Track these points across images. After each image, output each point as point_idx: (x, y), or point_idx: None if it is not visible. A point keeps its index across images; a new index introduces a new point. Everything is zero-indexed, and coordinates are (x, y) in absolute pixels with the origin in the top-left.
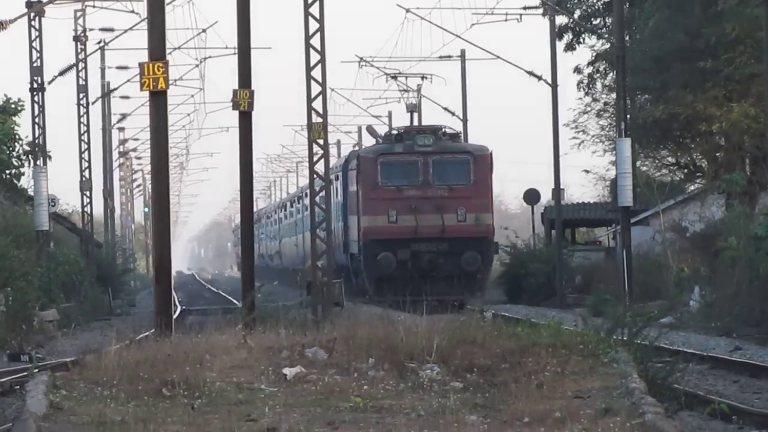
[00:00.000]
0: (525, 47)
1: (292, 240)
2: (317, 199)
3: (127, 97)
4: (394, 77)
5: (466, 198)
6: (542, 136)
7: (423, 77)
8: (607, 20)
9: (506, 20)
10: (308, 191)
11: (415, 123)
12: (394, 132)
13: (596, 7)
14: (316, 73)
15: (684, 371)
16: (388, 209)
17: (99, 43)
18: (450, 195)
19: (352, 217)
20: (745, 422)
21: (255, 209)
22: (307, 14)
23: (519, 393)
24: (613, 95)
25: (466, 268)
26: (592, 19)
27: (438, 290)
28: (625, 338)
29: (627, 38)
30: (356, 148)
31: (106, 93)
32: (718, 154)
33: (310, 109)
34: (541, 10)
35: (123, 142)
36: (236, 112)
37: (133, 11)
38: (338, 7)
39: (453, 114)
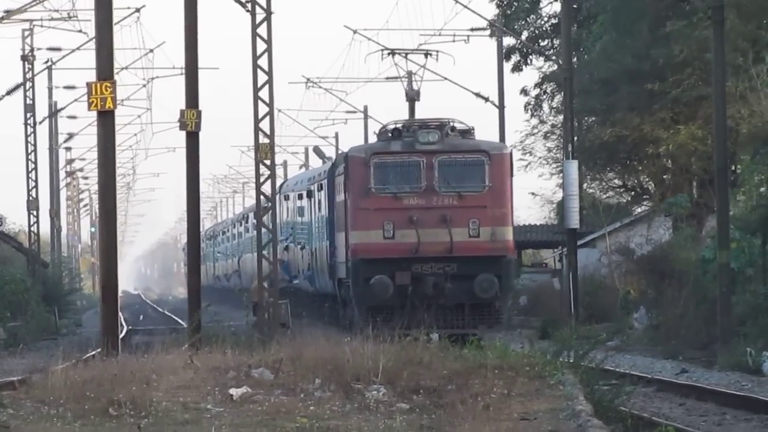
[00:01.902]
0: (473, 68)
1: (254, 257)
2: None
3: (74, 117)
4: (392, 53)
5: (479, 208)
6: None
7: (427, 54)
8: (554, 42)
9: (454, 41)
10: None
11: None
12: (391, 126)
13: (544, 28)
14: (264, 93)
15: (630, 394)
16: (383, 222)
17: (46, 62)
18: (460, 204)
19: (339, 233)
20: None
21: (202, 229)
22: (254, 35)
23: (465, 414)
24: (560, 117)
25: (481, 295)
26: (540, 40)
27: (445, 323)
28: (571, 360)
29: (574, 60)
30: (302, 170)
31: (54, 112)
32: (665, 177)
33: (257, 129)
34: (488, 32)
35: (70, 161)
36: (183, 133)
37: (80, 31)
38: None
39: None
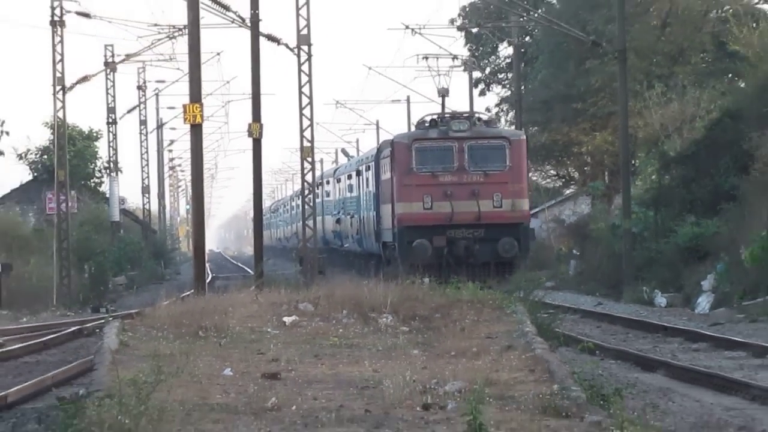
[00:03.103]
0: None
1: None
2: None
3: (174, 128)
4: (425, 57)
5: (502, 184)
6: None
7: (454, 57)
8: (508, 75)
9: (438, 74)
10: (320, 182)
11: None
12: (429, 118)
13: (501, 65)
14: (306, 111)
15: (562, 319)
16: (423, 195)
17: (155, 90)
18: (486, 181)
19: (384, 205)
20: (605, 355)
21: (265, 205)
22: (300, 71)
23: (447, 334)
24: (513, 127)
25: (503, 255)
26: (498, 74)
27: (474, 278)
28: (521, 296)
29: (522, 87)
30: (334, 164)
31: (160, 126)
32: (586, 168)
33: (302, 137)
34: (462, 67)
35: (171, 159)
36: (250, 139)
37: (178, 68)
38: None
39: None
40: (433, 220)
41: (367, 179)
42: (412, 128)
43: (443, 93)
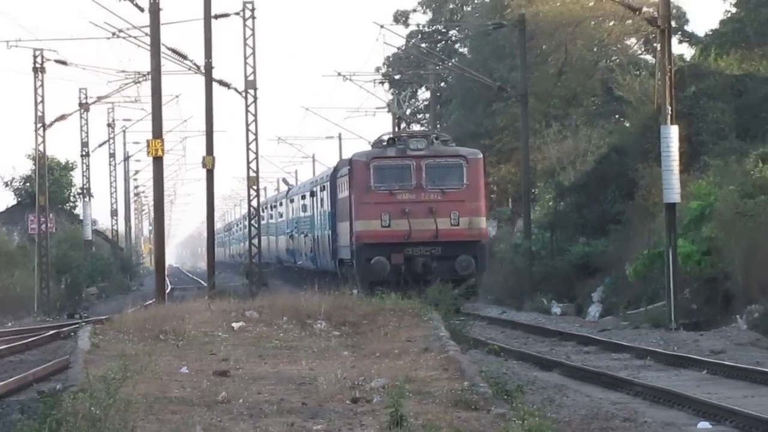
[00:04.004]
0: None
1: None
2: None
3: (138, 160)
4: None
5: (459, 202)
6: None
7: (410, 85)
8: (426, 115)
9: (366, 115)
10: (273, 204)
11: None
12: (386, 137)
13: (420, 107)
14: (253, 146)
15: (472, 325)
16: (381, 213)
17: (122, 127)
18: (443, 199)
19: (342, 223)
20: (508, 356)
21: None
22: (247, 111)
23: (373, 338)
24: None
25: (461, 273)
26: (418, 114)
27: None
28: (437, 305)
29: (438, 126)
30: (276, 192)
31: (126, 158)
32: (492, 195)
33: (248, 168)
34: (387, 109)
35: (136, 187)
36: (204, 170)
37: (143, 109)
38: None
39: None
40: (391, 238)
41: (322, 199)
42: (346, 157)
43: (400, 115)
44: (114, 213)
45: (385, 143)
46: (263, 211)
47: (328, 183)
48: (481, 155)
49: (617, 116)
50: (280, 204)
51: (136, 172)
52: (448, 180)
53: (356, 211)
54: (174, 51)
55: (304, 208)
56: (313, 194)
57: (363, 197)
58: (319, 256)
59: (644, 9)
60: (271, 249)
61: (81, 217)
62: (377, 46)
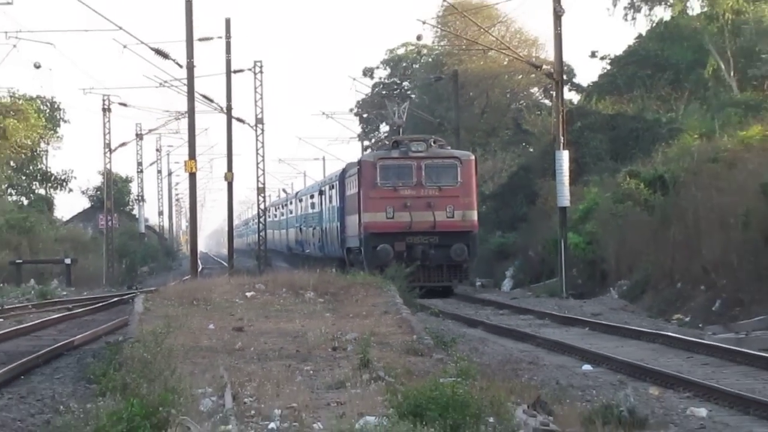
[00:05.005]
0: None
1: (274, 233)
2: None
3: (178, 175)
4: (383, 96)
5: (454, 197)
6: None
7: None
8: (386, 143)
9: (342, 143)
10: (284, 204)
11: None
12: (391, 140)
13: (382, 138)
14: (261, 165)
15: (419, 295)
16: (386, 207)
17: (167, 151)
18: (440, 194)
19: (350, 216)
20: (445, 317)
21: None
22: (257, 139)
23: (347, 304)
24: None
25: (455, 258)
26: (379, 143)
27: (429, 277)
28: (393, 280)
29: None
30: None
31: (169, 173)
32: None
33: (257, 181)
34: (357, 138)
35: (176, 194)
36: (226, 182)
37: (181, 138)
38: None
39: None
40: (395, 228)
41: (331, 196)
42: (335, 170)
43: (400, 124)
44: (160, 213)
45: (389, 146)
46: (275, 210)
47: (337, 182)
48: (473, 157)
49: (524, 144)
50: (290, 203)
51: (177, 183)
52: (444, 178)
53: (364, 205)
54: (204, 96)
55: (312, 205)
56: (321, 193)
57: (370, 193)
58: (327, 245)
59: (543, 66)
60: (282, 240)
61: (137, 216)
62: (351, 92)
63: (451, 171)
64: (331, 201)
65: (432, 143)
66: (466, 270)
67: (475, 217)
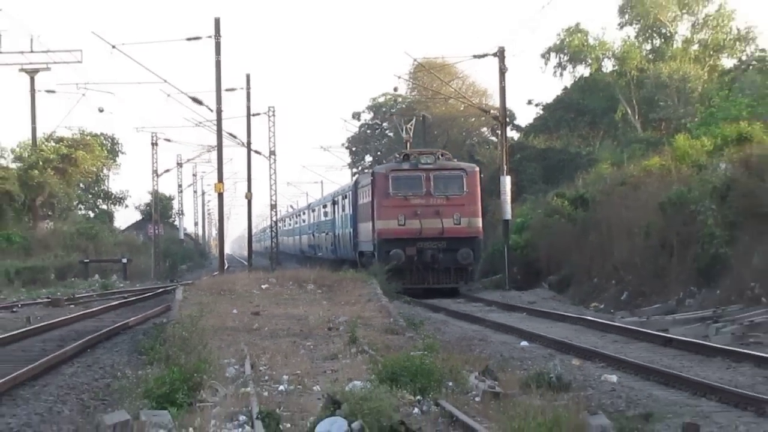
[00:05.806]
0: (340, 181)
1: (288, 239)
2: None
3: (210, 195)
4: (392, 114)
5: (460, 206)
6: None
7: (418, 116)
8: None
9: (336, 170)
10: (297, 214)
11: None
12: (402, 153)
13: (367, 166)
14: (274, 188)
15: (397, 287)
16: (398, 214)
17: (201, 176)
18: (448, 203)
19: (363, 223)
20: (415, 304)
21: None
22: (270, 167)
23: (340, 294)
24: None
25: (461, 262)
26: (365, 170)
27: (438, 279)
28: (376, 276)
29: None
30: (290, 209)
31: (203, 193)
32: None
33: (271, 199)
34: (348, 167)
35: (208, 209)
36: (246, 200)
37: (212, 165)
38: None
39: None
40: (406, 234)
41: (344, 206)
42: (346, 182)
43: (407, 139)
44: (196, 224)
45: (401, 158)
46: (289, 220)
47: (350, 192)
48: (477, 169)
49: None
50: (303, 213)
51: (208, 201)
52: (451, 188)
53: (378, 213)
54: (229, 134)
55: (326, 214)
56: (335, 203)
57: (383, 201)
58: (340, 248)
59: (491, 111)
60: (296, 244)
61: (177, 226)
62: (342, 131)
63: (458, 181)
64: (344, 210)
65: (440, 156)
66: (472, 272)
67: (480, 224)
